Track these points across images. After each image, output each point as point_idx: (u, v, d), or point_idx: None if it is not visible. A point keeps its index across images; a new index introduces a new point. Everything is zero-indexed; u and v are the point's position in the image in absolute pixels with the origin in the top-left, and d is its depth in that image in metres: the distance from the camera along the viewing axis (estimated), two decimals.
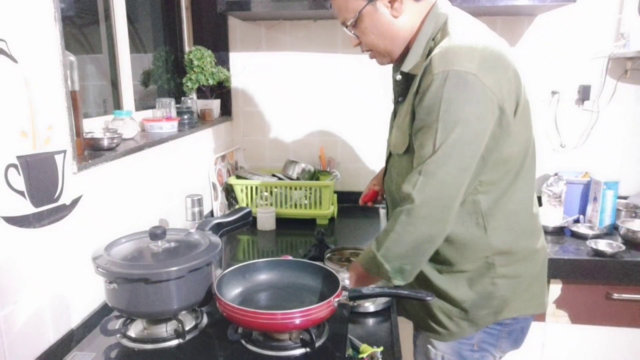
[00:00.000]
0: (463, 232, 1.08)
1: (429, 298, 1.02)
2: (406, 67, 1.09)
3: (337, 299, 1.00)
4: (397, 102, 1.21)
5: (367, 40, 1.13)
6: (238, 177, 2.11)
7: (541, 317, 1.76)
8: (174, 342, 1.03)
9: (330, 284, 1.08)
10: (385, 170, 1.26)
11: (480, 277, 1.11)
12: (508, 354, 1.22)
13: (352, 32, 1.14)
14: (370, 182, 1.53)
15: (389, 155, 1.23)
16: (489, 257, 1.10)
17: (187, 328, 1.06)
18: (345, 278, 1.12)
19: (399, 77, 1.13)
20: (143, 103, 1.94)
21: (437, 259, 1.12)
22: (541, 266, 1.18)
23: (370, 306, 1.26)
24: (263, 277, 1.17)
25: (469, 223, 1.08)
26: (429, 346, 1.20)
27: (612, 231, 1.92)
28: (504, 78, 0.99)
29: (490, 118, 0.98)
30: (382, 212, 2.23)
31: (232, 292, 1.11)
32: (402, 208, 1.01)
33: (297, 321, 0.95)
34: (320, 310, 0.97)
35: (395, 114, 1.24)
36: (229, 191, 2.13)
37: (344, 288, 1.04)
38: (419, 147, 1.00)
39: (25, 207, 0.93)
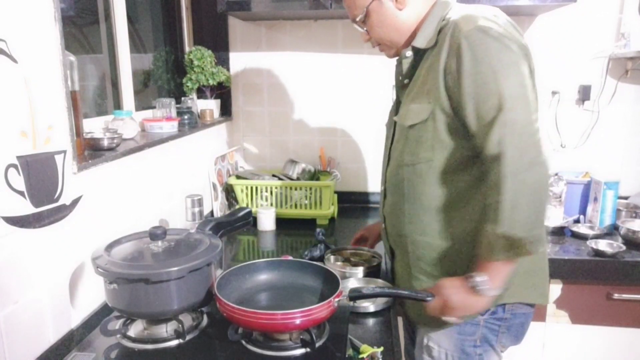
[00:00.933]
0: (469, 208, 1.07)
1: (429, 299, 1.02)
2: (419, 42, 1.10)
3: (337, 299, 1.00)
4: (402, 86, 1.21)
5: (375, 34, 1.18)
6: (238, 177, 2.11)
7: (541, 317, 1.76)
8: (174, 343, 1.03)
9: (331, 284, 1.08)
10: (389, 156, 1.23)
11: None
12: (509, 353, 1.22)
13: (363, 28, 1.19)
14: (362, 229, 1.61)
15: (392, 138, 1.22)
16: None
17: (187, 328, 1.06)
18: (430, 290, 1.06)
19: (409, 53, 1.14)
20: (143, 103, 1.94)
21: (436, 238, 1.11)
22: (541, 256, 1.16)
23: (370, 306, 1.26)
24: (263, 277, 1.17)
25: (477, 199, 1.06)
26: (431, 344, 1.19)
27: (612, 231, 1.92)
28: (523, 40, 1.04)
29: (526, 67, 1.00)
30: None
31: (232, 293, 1.11)
32: (495, 168, 0.96)
33: (298, 321, 0.95)
34: (320, 310, 0.97)
35: (398, 101, 1.24)
36: (229, 191, 2.13)
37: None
38: (480, 102, 0.98)
39: (25, 207, 0.93)
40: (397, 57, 1.22)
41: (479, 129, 0.99)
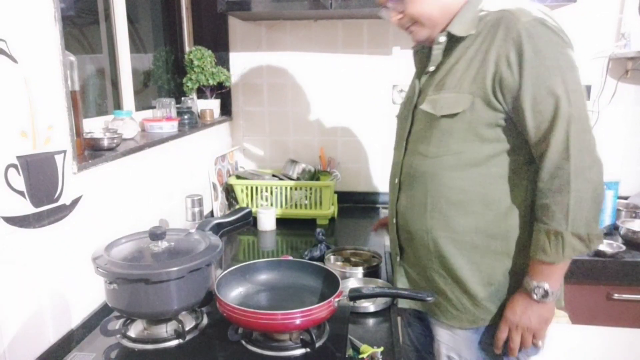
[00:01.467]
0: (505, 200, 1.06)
1: (429, 298, 1.01)
2: (456, 29, 1.06)
3: (337, 299, 1.00)
4: (425, 74, 1.15)
5: (415, 10, 1.08)
6: (238, 177, 2.11)
7: None
8: (174, 343, 1.03)
9: (331, 284, 1.08)
10: (406, 147, 1.17)
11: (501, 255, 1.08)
12: None
13: (394, 4, 1.10)
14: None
15: (409, 129, 1.16)
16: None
17: (187, 328, 1.05)
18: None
19: (442, 38, 1.08)
20: (143, 103, 1.94)
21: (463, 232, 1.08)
22: None
23: (370, 306, 1.26)
24: (263, 277, 1.17)
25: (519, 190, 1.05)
26: (452, 354, 1.14)
27: (612, 231, 1.91)
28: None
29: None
30: (382, 211, 2.23)
31: (232, 293, 1.11)
32: (561, 166, 0.96)
33: (298, 321, 0.95)
34: (320, 310, 0.97)
35: (419, 90, 1.16)
36: (229, 191, 2.13)
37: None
38: (542, 97, 0.96)
39: (25, 207, 0.93)
40: (417, 44, 1.17)
41: (539, 124, 0.98)
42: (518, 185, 1.05)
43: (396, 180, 1.19)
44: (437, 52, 1.10)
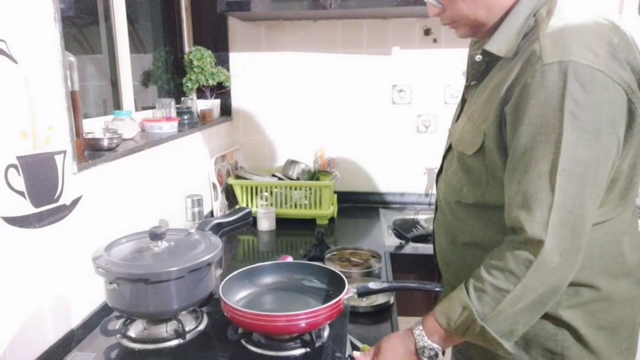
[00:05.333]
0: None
1: (437, 289, 0.99)
2: (493, 46, 0.86)
3: (346, 296, 1.00)
4: (469, 86, 0.99)
5: (455, 9, 0.90)
6: (238, 177, 2.11)
7: None
8: (174, 343, 1.03)
9: (336, 284, 1.08)
10: (441, 167, 1.06)
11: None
12: None
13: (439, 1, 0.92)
14: None
15: (448, 149, 1.03)
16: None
17: (187, 328, 1.05)
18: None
19: (479, 57, 0.91)
20: (143, 103, 1.94)
21: None
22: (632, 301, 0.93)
23: (370, 306, 1.26)
24: (268, 280, 1.17)
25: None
26: None
27: None
28: (636, 68, 0.79)
29: (621, 122, 0.78)
30: (382, 211, 2.23)
31: (237, 296, 1.11)
32: (528, 257, 0.78)
33: (302, 324, 0.95)
34: (333, 308, 0.97)
35: (464, 100, 1.02)
36: (229, 191, 2.13)
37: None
38: (531, 163, 0.78)
39: (25, 207, 0.93)
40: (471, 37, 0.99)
41: (514, 195, 0.81)
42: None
43: (436, 200, 1.12)
44: (473, 71, 0.97)
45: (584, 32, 0.77)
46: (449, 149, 1.03)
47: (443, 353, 0.88)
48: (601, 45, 0.76)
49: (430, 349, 0.86)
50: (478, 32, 0.94)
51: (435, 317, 0.87)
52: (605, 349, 0.90)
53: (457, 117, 1.03)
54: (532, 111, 0.77)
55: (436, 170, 1.14)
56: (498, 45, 0.86)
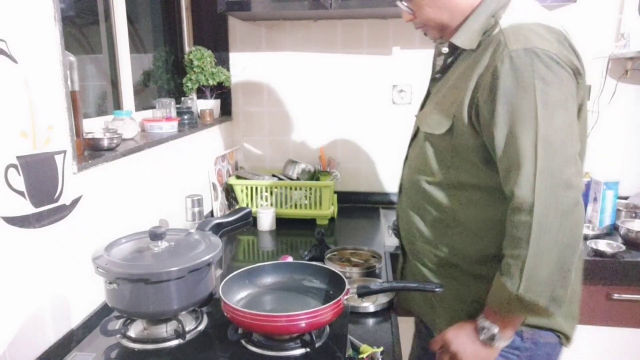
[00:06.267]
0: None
1: (438, 289, 1.01)
2: (458, 39, 0.99)
3: (346, 297, 1.01)
4: (434, 79, 1.12)
5: (423, 14, 1.04)
6: (238, 177, 2.11)
7: None
8: (174, 343, 1.03)
9: (336, 284, 1.08)
10: (407, 154, 1.17)
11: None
12: None
13: (407, 6, 1.06)
14: None
15: (413, 137, 1.14)
16: None
17: (187, 328, 1.05)
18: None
19: (445, 49, 1.04)
20: (143, 103, 1.94)
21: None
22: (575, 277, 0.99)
23: (370, 306, 1.26)
24: (268, 280, 1.17)
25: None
26: None
27: (612, 231, 1.91)
28: (580, 65, 0.92)
29: (575, 96, 0.90)
30: (382, 211, 2.23)
31: (237, 296, 1.11)
32: (523, 221, 0.86)
33: (303, 324, 0.95)
34: (334, 308, 0.97)
35: (428, 92, 1.15)
36: (229, 191, 2.13)
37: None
38: (511, 138, 0.88)
39: (25, 207, 0.93)
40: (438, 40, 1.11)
41: (508, 167, 0.90)
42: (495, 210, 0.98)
43: (399, 183, 1.21)
44: (439, 62, 1.08)
45: (537, 26, 0.91)
46: (414, 136, 1.14)
47: (500, 339, 0.94)
48: (552, 36, 0.90)
49: (488, 329, 0.94)
50: (445, 33, 1.06)
51: (487, 301, 0.95)
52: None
53: (422, 106, 1.15)
54: (506, 92, 0.88)
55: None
56: (462, 38, 0.99)
